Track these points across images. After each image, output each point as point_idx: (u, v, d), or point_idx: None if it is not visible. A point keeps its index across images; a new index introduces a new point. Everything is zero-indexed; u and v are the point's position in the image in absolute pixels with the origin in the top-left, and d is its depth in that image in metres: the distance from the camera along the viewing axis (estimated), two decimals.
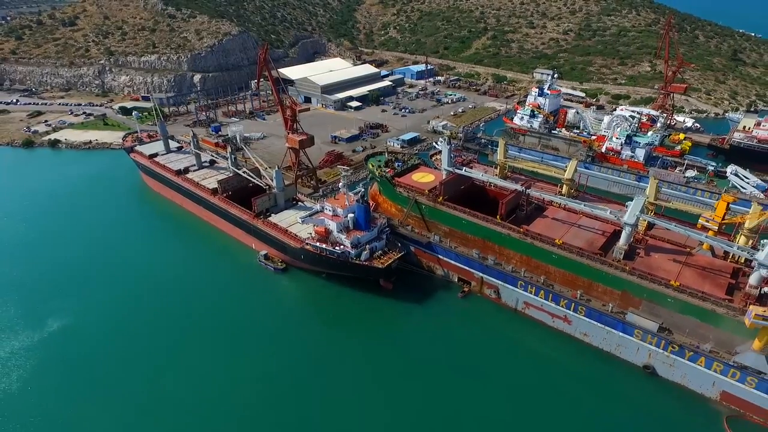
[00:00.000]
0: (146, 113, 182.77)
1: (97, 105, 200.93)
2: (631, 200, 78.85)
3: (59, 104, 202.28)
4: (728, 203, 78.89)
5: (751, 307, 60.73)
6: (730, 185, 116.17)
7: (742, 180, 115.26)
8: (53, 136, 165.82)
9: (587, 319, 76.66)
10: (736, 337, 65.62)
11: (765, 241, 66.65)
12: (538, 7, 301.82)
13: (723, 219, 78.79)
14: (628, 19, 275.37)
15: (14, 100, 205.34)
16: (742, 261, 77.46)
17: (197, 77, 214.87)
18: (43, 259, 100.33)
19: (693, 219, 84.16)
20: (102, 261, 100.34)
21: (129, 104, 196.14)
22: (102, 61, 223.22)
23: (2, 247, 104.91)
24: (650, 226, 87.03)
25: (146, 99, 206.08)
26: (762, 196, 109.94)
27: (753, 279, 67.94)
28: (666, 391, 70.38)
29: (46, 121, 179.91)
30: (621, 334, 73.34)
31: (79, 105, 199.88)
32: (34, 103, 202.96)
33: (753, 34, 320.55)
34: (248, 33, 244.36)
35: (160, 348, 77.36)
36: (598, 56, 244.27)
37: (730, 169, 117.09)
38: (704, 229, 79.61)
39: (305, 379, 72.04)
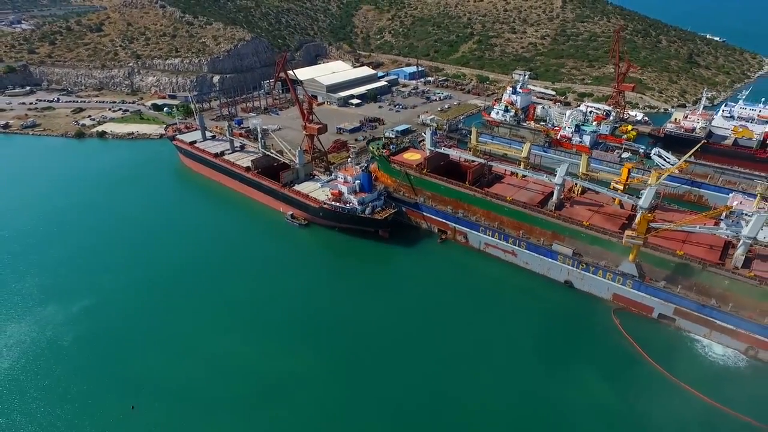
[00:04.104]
0: (174, 109, 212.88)
1: (129, 102, 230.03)
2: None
3: (96, 102, 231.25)
4: (629, 169, 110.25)
5: (625, 231, 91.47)
6: (654, 164, 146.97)
7: (664, 160, 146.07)
8: (99, 128, 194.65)
9: (527, 251, 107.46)
10: (622, 256, 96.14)
11: (643, 191, 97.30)
12: (520, 14, 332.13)
13: (626, 181, 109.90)
14: (599, 26, 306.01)
15: (56, 98, 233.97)
16: None
17: (216, 78, 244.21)
18: (108, 222, 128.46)
19: None
20: (156, 223, 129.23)
21: (159, 101, 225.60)
22: (131, 64, 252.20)
23: (73, 214, 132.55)
24: (584, 191, 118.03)
25: (172, 97, 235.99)
26: (677, 172, 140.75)
27: (637, 219, 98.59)
28: (579, 298, 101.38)
29: (89, 116, 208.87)
30: (549, 259, 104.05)
31: (115, 102, 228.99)
32: (73, 101, 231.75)
33: (717, 38, 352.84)
34: (260, 39, 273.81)
35: (212, 283, 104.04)
36: (570, 59, 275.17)
37: (654, 151, 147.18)
38: (614, 188, 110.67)
39: (323, 302, 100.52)
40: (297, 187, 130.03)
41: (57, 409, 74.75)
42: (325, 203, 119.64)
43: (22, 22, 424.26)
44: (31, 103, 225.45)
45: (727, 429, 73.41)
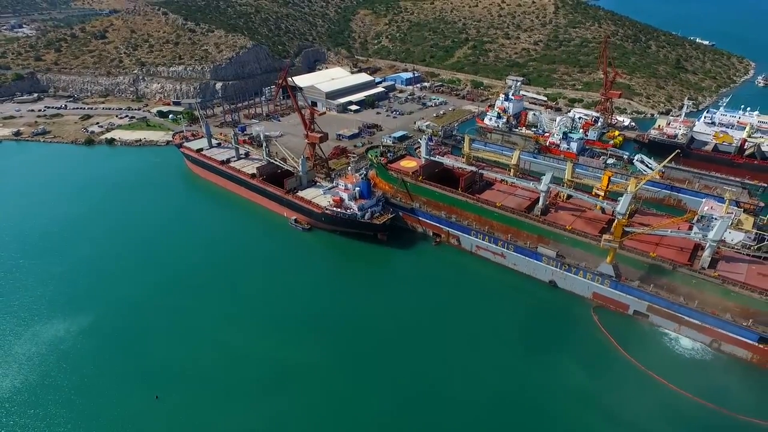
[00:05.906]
0: (179, 116, 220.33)
1: (135, 109, 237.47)
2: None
3: (102, 108, 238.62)
4: (609, 177, 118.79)
5: (603, 236, 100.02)
6: (637, 170, 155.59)
7: (646, 165, 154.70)
8: (108, 135, 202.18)
9: (515, 253, 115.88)
10: (601, 258, 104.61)
11: (620, 198, 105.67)
12: (514, 19, 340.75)
13: (606, 187, 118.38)
14: (591, 31, 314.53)
15: (63, 105, 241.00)
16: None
17: (219, 85, 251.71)
18: (121, 227, 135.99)
19: None
20: (167, 227, 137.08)
21: (164, 108, 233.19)
22: (135, 71, 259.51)
23: (87, 219, 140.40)
24: (569, 197, 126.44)
25: (177, 104, 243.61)
26: (658, 177, 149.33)
27: (615, 224, 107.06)
28: (561, 296, 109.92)
29: (98, 123, 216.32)
30: (535, 261, 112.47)
31: (121, 109, 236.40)
32: (80, 108, 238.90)
33: (706, 42, 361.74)
34: (260, 46, 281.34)
35: (222, 283, 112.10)
36: (561, 64, 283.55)
37: (637, 157, 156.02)
38: (596, 195, 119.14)
39: (326, 300, 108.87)
40: (300, 194, 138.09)
41: (89, 401, 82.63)
42: (327, 209, 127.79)
43: (24, 26, 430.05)
44: (39, 110, 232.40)
45: (691, 414, 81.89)
